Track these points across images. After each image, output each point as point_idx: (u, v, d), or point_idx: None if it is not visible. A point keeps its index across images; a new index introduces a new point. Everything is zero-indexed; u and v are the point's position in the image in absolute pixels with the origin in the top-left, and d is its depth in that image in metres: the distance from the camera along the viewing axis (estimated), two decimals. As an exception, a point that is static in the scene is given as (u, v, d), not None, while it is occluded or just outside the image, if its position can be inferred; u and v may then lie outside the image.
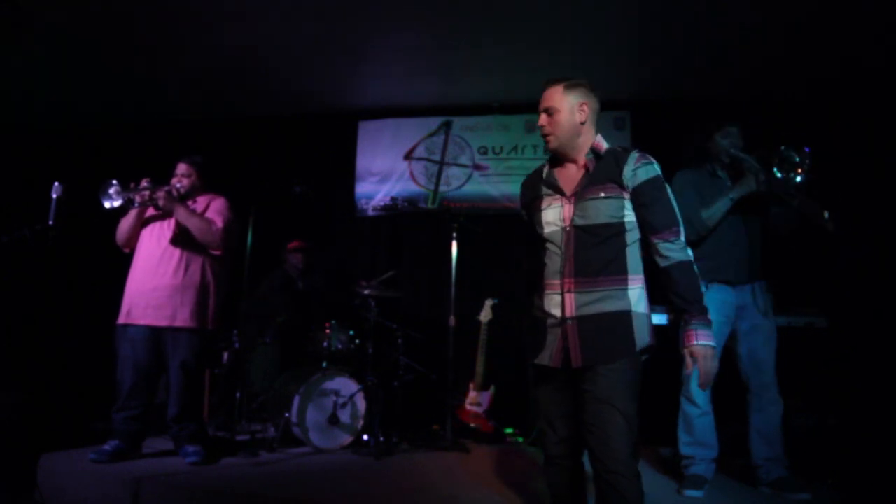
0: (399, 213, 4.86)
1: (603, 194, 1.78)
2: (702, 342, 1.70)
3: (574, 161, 1.89)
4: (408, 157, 4.94)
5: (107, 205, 3.00)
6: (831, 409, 3.13)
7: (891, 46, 3.51)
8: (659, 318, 3.61)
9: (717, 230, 2.70)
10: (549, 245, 1.85)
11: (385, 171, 4.94)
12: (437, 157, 4.89)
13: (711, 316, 2.58)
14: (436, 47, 3.95)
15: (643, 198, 1.78)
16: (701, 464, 2.69)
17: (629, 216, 1.79)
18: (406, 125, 4.96)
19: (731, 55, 3.80)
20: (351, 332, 3.95)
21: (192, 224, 3.05)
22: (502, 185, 4.73)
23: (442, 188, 4.84)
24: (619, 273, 1.76)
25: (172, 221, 3.11)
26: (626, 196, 1.79)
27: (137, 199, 3.07)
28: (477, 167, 4.82)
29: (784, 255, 2.98)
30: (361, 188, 4.97)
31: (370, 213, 4.94)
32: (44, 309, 4.53)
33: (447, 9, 3.47)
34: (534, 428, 3.76)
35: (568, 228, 1.80)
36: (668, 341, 3.26)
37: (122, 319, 3.05)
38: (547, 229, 1.86)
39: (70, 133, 5.35)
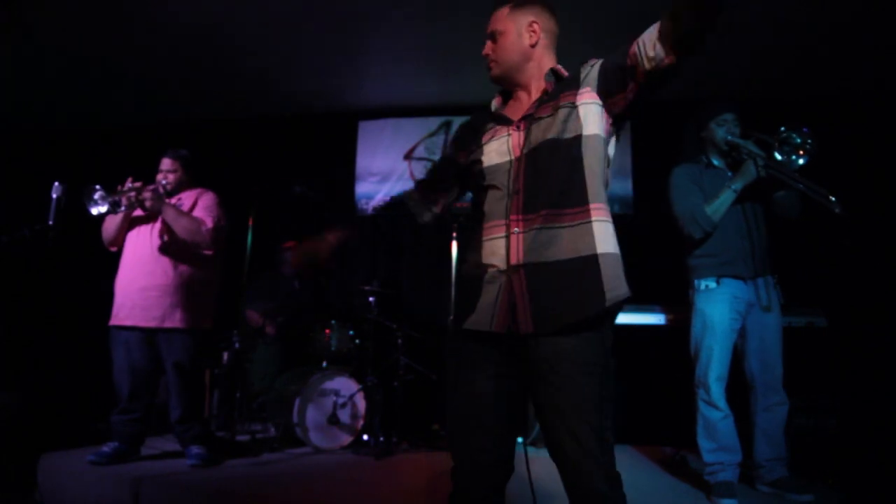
0: (399, 213, 4.85)
1: (553, 108, 1.44)
2: None
3: (526, 89, 1.58)
4: (408, 157, 4.94)
5: (94, 211, 2.90)
6: (831, 409, 3.12)
7: (889, 46, 3.52)
8: (657, 318, 3.61)
9: (723, 223, 2.60)
10: (491, 185, 1.50)
11: (385, 171, 4.94)
12: (437, 157, 4.89)
13: (723, 312, 2.59)
14: (436, 47, 3.95)
15: (608, 62, 1.45)
16: (728, 469, 2.57)
17: (589, 128, 1.41)
18: (406, 125, 4.96)
19: (731, 55, 3.79)
20: (351, 332, 3.95)
21: (181, 225, 2.97)
22: (502, 185, 4.72)
23: (442, 188, 4.83)
24: (579, 203, 1.38)
25: (160, 220, 3.04)
26: (582, 100, 1.43)
27: (124, 201, 2.98)
28: (477, 167, 4.81)
29: (788, 251, 2.94)
30: (361, 188, 4.97)
31: (370, 213, 4.94)
32: (44, 309, 4.53)
33: (447, 9, 3.47)
34: (534, 428, 3.76)
35: (517, 158, 1.46)
36: (669, 342, 3.29)
37: (112, 321, 3.01)
38: (489, 164, 1.51)
39: (70, 133, 5.35)
